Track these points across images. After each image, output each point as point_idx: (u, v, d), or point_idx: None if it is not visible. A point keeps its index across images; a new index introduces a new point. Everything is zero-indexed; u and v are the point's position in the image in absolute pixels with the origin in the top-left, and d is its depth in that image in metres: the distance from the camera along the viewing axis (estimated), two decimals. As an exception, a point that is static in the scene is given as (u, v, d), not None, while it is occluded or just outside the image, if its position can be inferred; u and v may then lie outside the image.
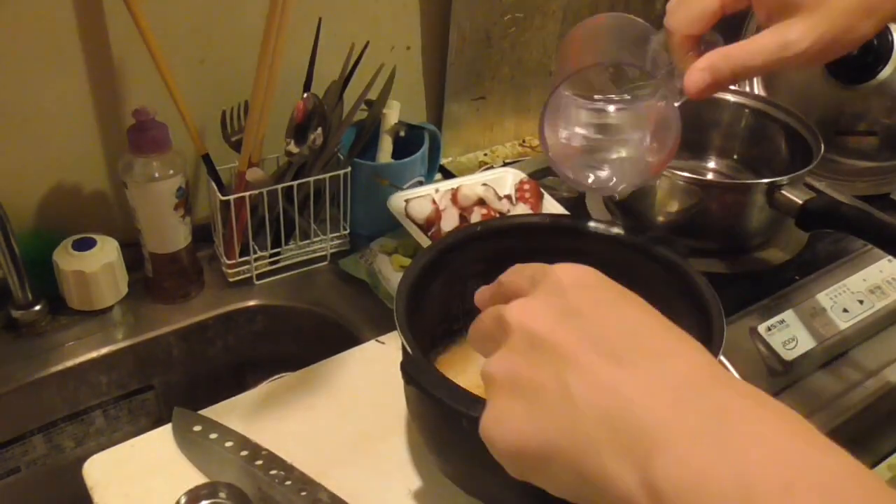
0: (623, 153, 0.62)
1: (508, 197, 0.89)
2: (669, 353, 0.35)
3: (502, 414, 0.38)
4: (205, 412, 0.69)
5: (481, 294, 0.48)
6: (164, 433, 0.67)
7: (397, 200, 0.86)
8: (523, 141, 1.16)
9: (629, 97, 0.60)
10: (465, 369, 0.68)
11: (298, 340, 0.88)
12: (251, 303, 0.86)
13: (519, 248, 0.71)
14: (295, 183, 0.84)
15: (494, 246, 0.70)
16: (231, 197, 0.82)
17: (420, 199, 0.86)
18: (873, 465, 0.94)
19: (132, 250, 0.83)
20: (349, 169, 0.86)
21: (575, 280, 0.39)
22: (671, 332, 0.37)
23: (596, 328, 0.36)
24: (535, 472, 0.37)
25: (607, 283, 0.40)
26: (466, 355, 0.70)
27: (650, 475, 0.31)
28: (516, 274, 0.44)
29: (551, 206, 0.90)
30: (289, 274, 0.89)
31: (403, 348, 0.58)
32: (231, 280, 0.87)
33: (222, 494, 0.59)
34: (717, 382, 0.34)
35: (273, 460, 0.65)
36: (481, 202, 0.86)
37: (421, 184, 0.93)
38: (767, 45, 0.52)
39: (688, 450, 0.31)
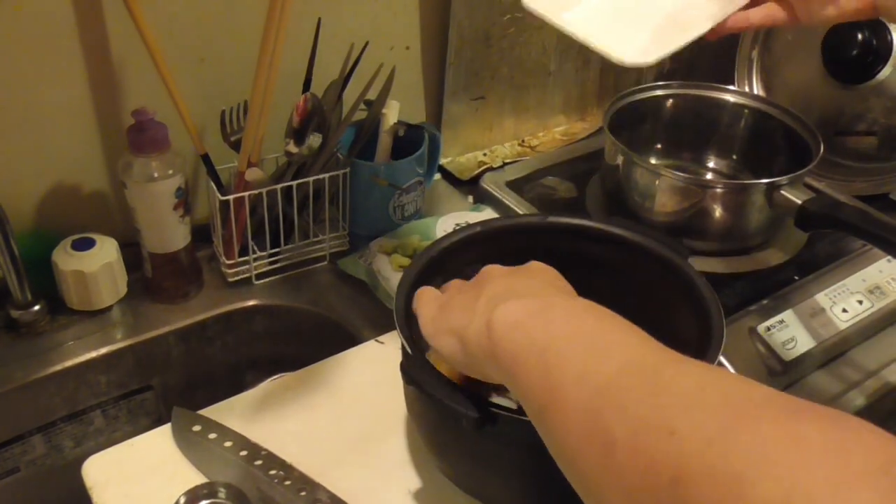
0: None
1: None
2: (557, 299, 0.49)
3: (438, 308, 0.54)
4: (204, 412, 0.69)
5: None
6: (164, 433, 0.67)
7: None
8: (522, 141, 1.16)
9: None
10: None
11: (298, 340, 0.88)
12: (250, 303, 0.86)
13: (518, 249, 0.71)
14: (294, 183, 0.84)
15: (494, 246, 0.70)
16: (230, 197, 0.82)
17: None
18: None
19: (131, 250, 0.83)
20: (348, 169, 0.86)
21: (530, 267, 0.55)
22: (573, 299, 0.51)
23: (516, 285, 0.51)
24: (438, 338, 0.52)
25: (549, 274, 0.54)
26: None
27: (490, 321, 0.46)
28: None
29: None
30: (288, 274, 0.89)
31: (403, 348, 0.58)
32: (230, 280, 0.87)
33: (221, 494, 0.59)
34: (563, 301, 0.47)
35: (272, 460, 0.65)
36: None
37: (420, 184, 0.93)
38: None
39: (515, 306, 0.46)
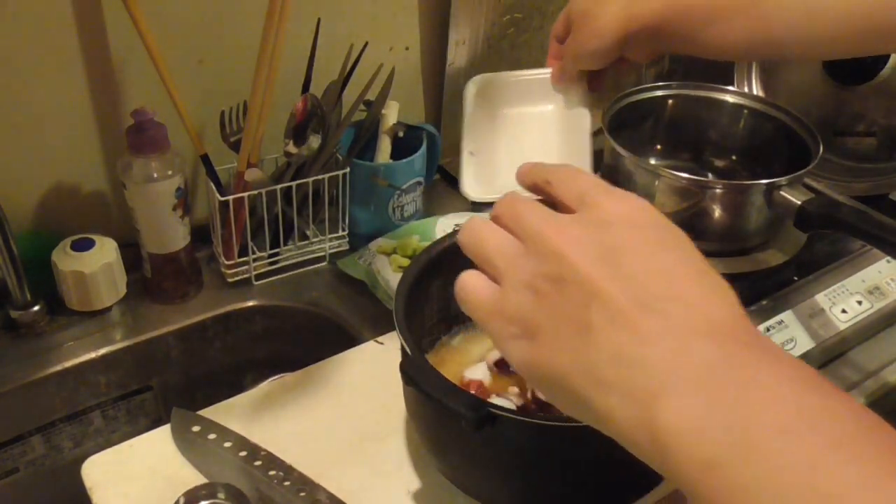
0: None
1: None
2: (696, 301, 0.35)
3: (522, 334, 0.38)
4: (203, 412, 0.69)
5: (523, 175, 0.45)
6: (163, 434, 0.67)
7: None
8: (522, 141, 1.16)
9: None
10: (457, 364, 0.68)
11: (297, 341, 0.88)
12: (250, 303, 0.86)
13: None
14: (294, 183, 0.84)
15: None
16: (230, 197, 0.82)
17: None
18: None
19: (131, 251, 0.83)
20: (348, 169, 0.86)
21: (626, 216, 0.38)
22: (705, 278, 0.37)
23: (633, 270, 0.36)
24: (547, 392, 0.38)
25: (658, 221, 0.39)
26: (463, 349, 0.70)
27: (652, 420, 0.33)
28: (568, 183, 0.42)
29: None
30: (287, 274, 0.89)
31: (402, 349, 0.58)
32: (230, 280, 0.87)
33: (221, 495, 0.59)
34: (730, 333, 0.34)
35: (272, 461, 0.65)
36: None
37: (419, 185, 0.93)
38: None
39: (688, 397, 0.32)
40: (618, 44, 0.74)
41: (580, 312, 0.36)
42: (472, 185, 0.85)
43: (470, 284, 0.41)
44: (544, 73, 0.85)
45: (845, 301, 0.84)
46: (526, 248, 0.38)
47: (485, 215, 0.43)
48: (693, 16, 0.71)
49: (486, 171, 0.86)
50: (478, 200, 0.86)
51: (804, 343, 0.79)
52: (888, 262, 0.89)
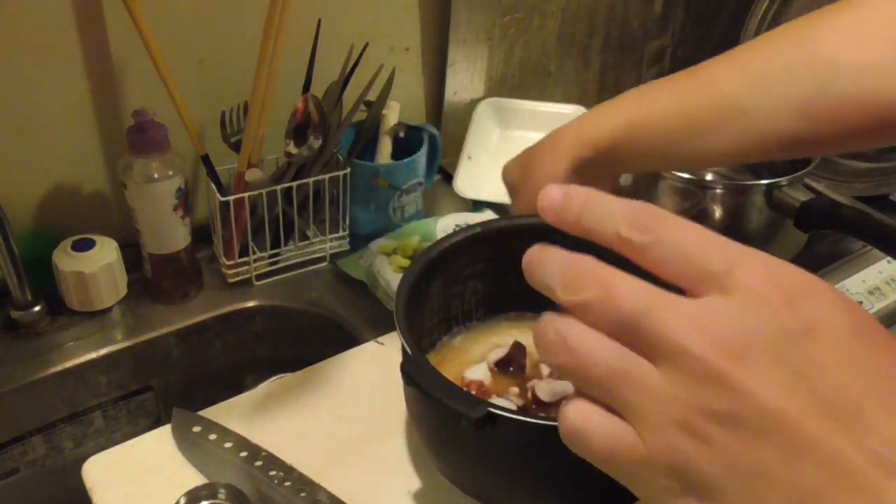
0: None
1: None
2: None
3: (685, 490, 0.27)
4: (204, 413, 0.69)
5: (559, 207, 0.31)
6: (164, 434, 0.67)
7: None
8: (522, 141, 1.16)
9: None
10: (458, 364, 0.68)
11: (297, 341, 0.88)
12: (250, 303, 0.87)
13: (519, 250, 0.70)
14: (294, 184, 0.84)
15: (494, 247, 0.70)
16: (230, 198, 0.82)
17: None
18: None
19: (131, 251, 0.83)
20: (348, 170, 0.87)
21: (798, 306, 0.25)
22: None
23: (844, 399, 0.24)
24: None
25: (839, 301, 0.26)
26: (463, 349, 0.70)
27: None
28: (674, 247, 0.28)
29: None
30: (288, 275, 0.89)
31: (403, 349, 0.58)
32: (230, 281, 0.87)
33: (221, 495, 0.59)
34: None
35: (272, 461, 0.65)
36: None
37: (420, 185, 0.93)
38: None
39: None
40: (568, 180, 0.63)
41: (785, 471, 0.24)
42: (464, 184, 0.99)
43: (585, 427, 0.28)
44: (552, 106, 1.05)
45: (845, 301, 0.84)
46: (659, 367, 0.26)
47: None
48: (666, 129, 0.58)
49: (478, 175, 0.99)
50: (468, 197, 0.97)
51: (804, 343, 0.79)
52: (888, 262, 0.89)
